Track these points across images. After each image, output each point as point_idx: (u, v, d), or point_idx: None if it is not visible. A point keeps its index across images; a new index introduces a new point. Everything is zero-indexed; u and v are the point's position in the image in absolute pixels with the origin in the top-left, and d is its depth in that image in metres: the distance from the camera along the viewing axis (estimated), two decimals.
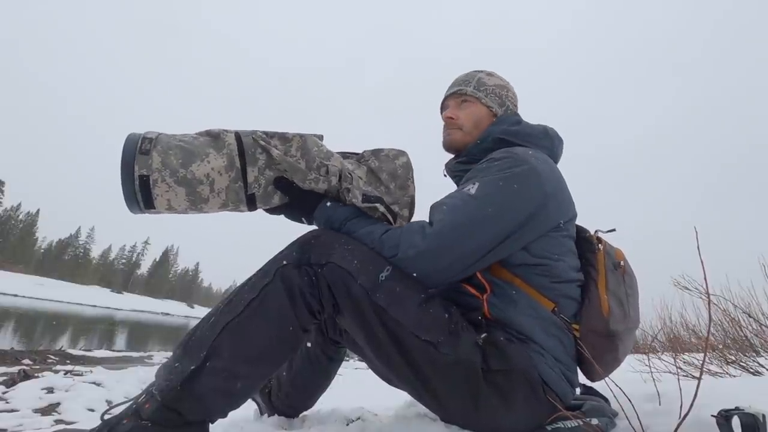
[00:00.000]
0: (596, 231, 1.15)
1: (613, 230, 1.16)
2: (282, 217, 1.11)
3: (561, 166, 1.20)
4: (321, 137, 1.09)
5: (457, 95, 1.24)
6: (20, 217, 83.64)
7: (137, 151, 0.92)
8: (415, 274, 0.96)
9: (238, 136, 1.01)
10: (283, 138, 1.04)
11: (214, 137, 1.00)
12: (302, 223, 1.10)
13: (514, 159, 1.01)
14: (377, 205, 1.04)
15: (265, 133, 1.04)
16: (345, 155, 1.12)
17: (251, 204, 1.02)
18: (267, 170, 1.01)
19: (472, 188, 0.98)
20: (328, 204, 1.05)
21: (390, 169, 1.11)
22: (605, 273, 1.06)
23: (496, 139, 1.14)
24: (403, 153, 1.14)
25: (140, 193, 0.92)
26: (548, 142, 1.16)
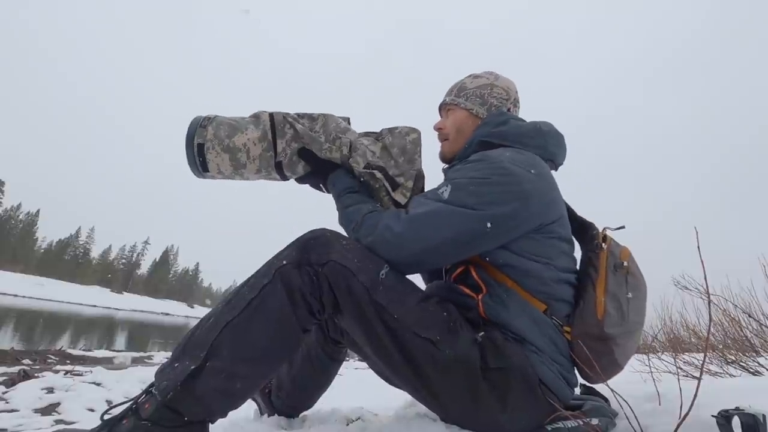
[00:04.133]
0: (605, 228, 1.12)
1: (623, 227, 1.12)
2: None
3: (564, 166, 1.18)
4: (348, 119, 1.25)
5: (443, 106, 1.28)
6: (20, 217, 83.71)
7: (198, 126, 1.14)
8: (385, 257, 0.98)
9: (271, 114, 1.20)
10: (311, 117, 1.22)
11: (256, 117, 1.20)
12: (322, 191, 1.22)
13: (487, 162, 1.02)
14: (375, 171, 1.13)
15: (298, 114, 1.22)
16: (366, 134, 1.24)
17: (280, 170, 1.18)
18: (293, 142, 1.18)
19: (445, 192, 0.99)
20: (338, 172, 1.15)
21: (400, 145, 1.19)
22: (606, 274, 1.04)
23: (480, 142, 1.15)
24: (414, 130, 1.21)
25: (198, 158, 1.13)
26: (540, 140, 1.13)
